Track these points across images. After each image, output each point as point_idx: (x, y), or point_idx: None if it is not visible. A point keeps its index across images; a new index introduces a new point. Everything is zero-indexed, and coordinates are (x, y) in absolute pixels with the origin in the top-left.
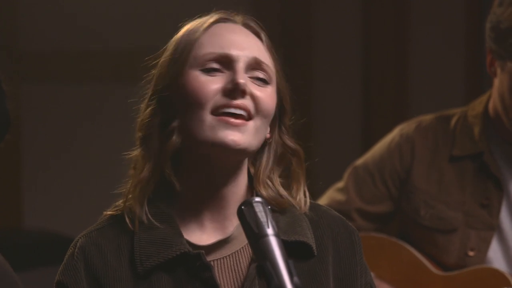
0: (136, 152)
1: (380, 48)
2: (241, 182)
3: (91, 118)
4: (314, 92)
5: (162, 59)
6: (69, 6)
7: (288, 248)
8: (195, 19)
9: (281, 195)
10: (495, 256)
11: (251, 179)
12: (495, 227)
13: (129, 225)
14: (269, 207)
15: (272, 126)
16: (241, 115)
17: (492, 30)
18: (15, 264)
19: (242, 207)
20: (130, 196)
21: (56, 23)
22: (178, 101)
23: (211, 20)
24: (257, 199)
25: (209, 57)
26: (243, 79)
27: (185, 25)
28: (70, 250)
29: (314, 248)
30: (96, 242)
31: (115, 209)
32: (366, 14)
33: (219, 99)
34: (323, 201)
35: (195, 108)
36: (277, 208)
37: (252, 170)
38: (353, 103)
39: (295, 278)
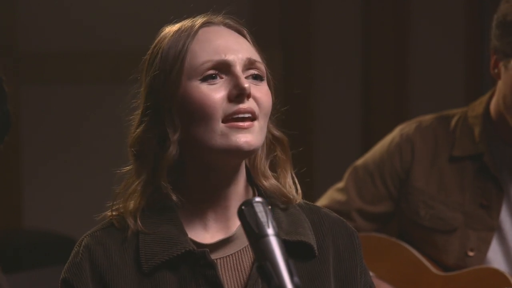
0: (129, 167)
1: (380, 48)
2: (241, 180)
3: (90, 119)
4: (314, 92)
5: (151, 73)
6: (69, 6)
7: (290, 249)
8: (171, 24)
9: (278, 185)
10: (495, 257)
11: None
12: (495, 228)
13: (132, 226)
14: (270, 207)
15: None
16: (248, 117)
17: (497, 27)
18: (15, 264)
19: (243, 207)
20: (124, 206)
21: (56, 23)
22: (181, 114)
23: (196, 26)
24: (258, 199)
25: (207, 65)
26: (246, 83)
27: (162, 32)
28: (75, 249)
29: (316, 248)
30: (101, 241)
31: (118, 211)
32: (366, 14)
33: (226, 107)
34: (323, 201)
35: (205, 119)
36: (281, 203)
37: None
38: (353, 103)
39: (295, 278)
